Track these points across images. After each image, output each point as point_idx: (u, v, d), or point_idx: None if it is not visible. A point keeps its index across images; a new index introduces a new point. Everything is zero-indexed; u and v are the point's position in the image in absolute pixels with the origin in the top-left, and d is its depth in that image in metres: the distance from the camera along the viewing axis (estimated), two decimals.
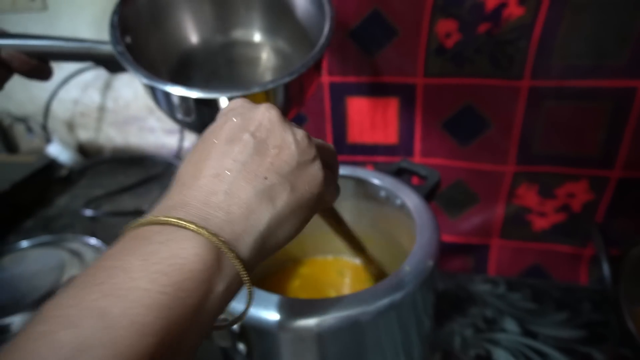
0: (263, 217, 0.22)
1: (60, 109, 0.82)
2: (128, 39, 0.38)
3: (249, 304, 0.23)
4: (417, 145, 0.62)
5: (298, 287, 0.46)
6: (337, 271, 0.52)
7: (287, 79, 0.36)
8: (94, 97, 0.80)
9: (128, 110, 0.80)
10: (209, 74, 0.47)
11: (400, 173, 0.49)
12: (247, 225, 0.21)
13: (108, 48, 0.37)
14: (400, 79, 0.57)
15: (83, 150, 0.86)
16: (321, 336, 0.31)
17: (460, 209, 0.65)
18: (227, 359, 0.45)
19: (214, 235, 0.20)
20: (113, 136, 0.83)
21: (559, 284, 0.57)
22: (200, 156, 0.23)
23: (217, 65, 0.47)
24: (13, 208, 0.64)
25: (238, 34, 0.48)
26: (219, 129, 0.24)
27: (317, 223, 0.52)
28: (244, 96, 0.36)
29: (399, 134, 0.62)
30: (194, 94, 0.36)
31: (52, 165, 0.72)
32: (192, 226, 0.19)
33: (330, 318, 0.30)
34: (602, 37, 0.49)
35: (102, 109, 0.81)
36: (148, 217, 0.20)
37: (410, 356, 0.36)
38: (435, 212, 0.42)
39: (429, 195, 0.44)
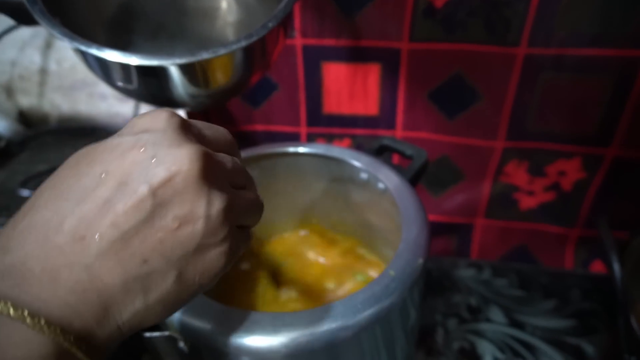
0: (127, 310, 0.17)
1: None
2: None
3: None
4: (400, 118, 0.56)
5: (268, 283, 0.40)
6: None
7: (243, 43, 0.29)
8: (33, 57, 0.70)
9: (75, 73, 0.70)
10: (155, 27, 0.39)
11: (381, 151, 0.44)
12: (104, 317, 0.17)
13: None
14: (383, 43, 0.51)
15: (25, 119, 0.76)
16: (290, 358, 0.25)
17: (444, 187, 0.61)
18: None
19: (61, 334, 0.15)
20: (59, 103, 0.74)
21: (547, 270, 0.53)
22: (72, 191, 0.17)
23: (166, 16, 0.39)
24: None
25: None
26: (114, 158, 0.17)
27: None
28: (194, 63, 0.29)
29: (380, 105, 0.56)
30: (133, 59, 0.28)
31: None
32: (30, 320, 0.15)
33: (301, 336, 0.25)
34: (608, 2, 0.43)
35: (44, 71, 0.71)
36: None
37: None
38: (417, 188, 0.37)
39: (414, 179, 0.39)
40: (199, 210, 0.18)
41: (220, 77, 0.33)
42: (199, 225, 0.18)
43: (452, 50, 0.49)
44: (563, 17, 0.45)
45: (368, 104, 0.57)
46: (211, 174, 0.18)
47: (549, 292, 0.50)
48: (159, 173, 0.17)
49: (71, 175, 0.18)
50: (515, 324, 0.47)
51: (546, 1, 0.44)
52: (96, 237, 0.16)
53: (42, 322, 0.15)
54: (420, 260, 0.30)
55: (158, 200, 0.17)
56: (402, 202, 0.34)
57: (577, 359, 0.43)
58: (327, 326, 0.25)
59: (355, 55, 0.53)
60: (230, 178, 0.20)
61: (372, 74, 0.54)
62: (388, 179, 0.37)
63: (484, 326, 0.47)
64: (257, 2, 0.39)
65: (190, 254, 0.18)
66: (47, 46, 0.69)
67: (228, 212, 0.19)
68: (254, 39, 0.29)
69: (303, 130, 0.60)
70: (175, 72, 0.30)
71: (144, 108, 0.70)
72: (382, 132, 0.57)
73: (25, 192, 0.54)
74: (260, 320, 0.25)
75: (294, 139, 0.60)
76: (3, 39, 0.66)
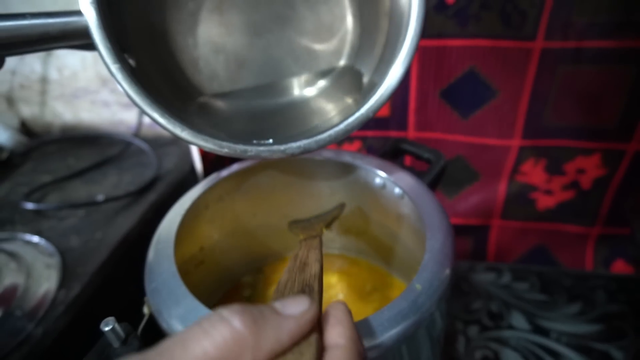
0: None
1: None
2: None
3: None
4: (412, 118, 0.54)
5: None
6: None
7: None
8: (34, 66, 0.69)
9: (76, 81, 0.69)
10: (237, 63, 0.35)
11: (395, 154, 0.42)
12: None
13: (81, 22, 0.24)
14: None
15: (27, 128, 0.75)
16: None
17: (458, 188, 0.59)
18: None
19: None
20: (61, 112, 0.72)
21: (569, 271, 0.51)
22: None
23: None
24: None
25: None
26: None
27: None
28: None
29: (391, 105, 0.54)
30: (225, 151, 0.27)
31: None
32: None
33: None
34: None
35: (44, 80, 0.69)
36: None
37: None
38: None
39: (433, 183, 0.37)
40: None
41: None
42: None
43: (466, 45, 0.47)
44: (581, 7, 0.43)
45: None
46: None
47: (573, 295, 0.48)
48: None
49: None
50: (539, 330, 0.45)
51: None
52: None
53: None
54: (447, 272, 0.28)
55: None
56: (423, 209, 0.32)
57: None
58: None
59: None
60: None
61: None
62: (407, 185, 0.35)
63: (506, 333, 0.45)
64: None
65: None
66: (48, 54, 0.67)
67: None
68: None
69: None
70: None
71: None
72: (393, 134, 0.55)
73: (29, 205, 0.53)
74: None
75: None
76: None
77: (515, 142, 0.53)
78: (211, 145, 0.26)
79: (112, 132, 0.71)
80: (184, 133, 0.26)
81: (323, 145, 0.28)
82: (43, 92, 0.71)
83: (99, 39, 0.24)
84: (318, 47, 0.35)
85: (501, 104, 0.50)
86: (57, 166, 0.64)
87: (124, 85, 0.24)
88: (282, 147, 0.27)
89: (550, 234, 0.58)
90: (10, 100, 0.73)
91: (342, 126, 0.28)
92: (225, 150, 0.26)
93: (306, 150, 0.28)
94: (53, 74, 0.69)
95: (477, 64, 0.49)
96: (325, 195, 0.42)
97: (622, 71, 0.46)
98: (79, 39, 0.25)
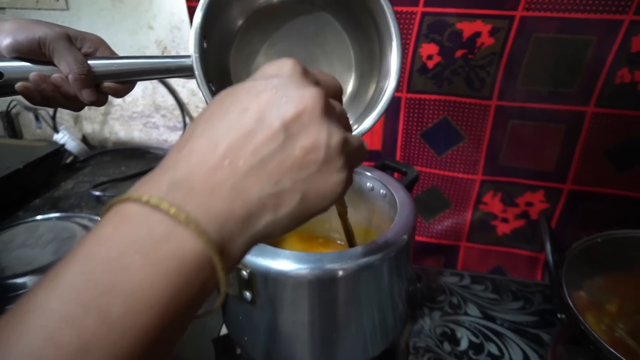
0: (261, 222, 0.20)
1: None
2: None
3: (220, 301, 0.21)
4: (399, 152, 0.70)
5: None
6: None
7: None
8: None
9: (135, 106, 0.86)
10: None
11: (383, 169, 0.57)
12: (242, 228, 0.20)
13: (188, 62, 0.38)
14: None
15: (86, 141, 0.90)
16: (312, 283, 0.37)
17: (433, 213, 0.73)
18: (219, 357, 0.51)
19: (212, 242, 0.18)
20: (117, 130, 0.89)
21: (516, 280, 0.64)
22: (221, 123, 0.20)
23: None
24: (22, 188, 0.68)
25: None
26: (252, 97, 0.21)
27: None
28: None
29: (382, 141, 0.70)
30: None
31: (60, 151, 0.77)
32: (194, 227, 0.18)
33: (319, 269, 0.37)
34: (558, 69, 0.58)
35: (109, 103, 0.86)
36: (151, 196, 0.18)
37: (384, 313, 0.42)
38: None
39: (408, 186, 0.51)
40: (321, 141, 0.20)
41: None
42: (320, 154, 0.21)
43: (440, 99, 0.64)
44: (524, 79, 0.60)
45: (373, 141, 0.71)
46: (330, 111, 0.22)
47: (517, 296, 0.61)
48: (290, 110, 0.20)
49: (219, 112, 0.21)
50: (488, 317, 0.57)
51: (511, 65, 0.59)
52: (241, 162, 0.19)
53: (204, 236, 0.18)
54: (405, 237, 0.41)
55: (289, 133, 0.20)
56: (398, 199, 0.47)
57: (536, 343, 0.53)
58: (335, 265, 0.37)
59: None
60: (341, 120, 0.23)
61: None
62: (390, 184, 0.50)
63: (462, 318, 0.57)
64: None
65: (314, 175, 0.21)
66: None
67: (345, 144, 0.22)
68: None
69: None
70: None
71: None
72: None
73: (96, 192, 0.67)
74: (295, 257, 0.37)
75: None
76: None
77: (478, 177, 0.68)
78: None
79: (157, 148, 0.86)
80: None
81: None
82: (106, 113, 0.88)
83: (198, 74, 0.39)
84: None
85: (467, 146, 0.66)
86: (112, 171, 0.79)
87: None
88: None
89: (507, 256, 0.72)
90: (76, 118, 0.90)
91: None
92: None
93: None
94: (117, 99, 0.86)
95: (449, 114, 0.65)
96: None
97: (555, 127, 0.62)
98: (186, 73, 0.41)
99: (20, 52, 0.37)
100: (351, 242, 0.44)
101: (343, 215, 0.42)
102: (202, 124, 0.21)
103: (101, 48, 0.40)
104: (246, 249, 0.21)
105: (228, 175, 0.19)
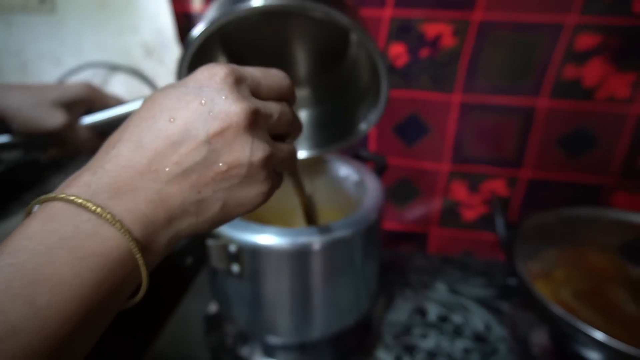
0: (183, 224, 0.22)
1: None
2: None
3: (143, 292, 0.22)
4: (373, 145, 0.75)
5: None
6: None
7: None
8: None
9: None
10: None
11: (357, 159, 0.62)
12: (165, 228, 0.21)
13: None
14: None
15: None
16: (292, 255, 0.42)
17: (405, 201, 0.78)
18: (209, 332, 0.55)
19: (135, 241, 0.20)
20: None
21: (480, 260, 0.70)
22: (149, 130, 0.21)
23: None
24: (17, 183, 0.72)
25: None
26: (181, 106, 0.22)
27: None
28: None
29: None
30: None
31: None
32: (119, 227, 0.19)
33: (296, 243, 0.41)
34: (514, 65, 0.64)
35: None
36: (79, 197, 0.19)
37: (357, 284, 0.47)
38: (385, 203, 0.54)
39: (378, 174, 0.57)
40: (243, 158, 0.22)
41: None
42: (243, 170, 0.22)
43: (409, 96, 0.70)
44: (484, 75, 0.66)
45: None
46: (255, 128, 0.22)
47: (481, 274, 0.67)
48: (214, 125, 0.21)
49: (148, 117, 0.22)
50: (455, 291, 0.63)
51: (471, 64, 0.65)
52: (166, 170, 0.21)
53: (128, 235, 0.19)
54: (374, 215, 0.47)
55: (212, 147, 0.21)
56: (370, 182, 0.52)
57: (496, 313, 0.59)
58: (309, 238, 0.42)
59: None
60: (273, 129, 0.24)
61: None
62: (361, 171, 0.55)
63: (431, 293, 0.63)
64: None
65: (235, 190, 0.22)
66: (104, 84, 0.88)
67: (268, 159, 0.23)
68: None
69: None
70: None
71: None
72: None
73: None
74: (277, 233, 0.42)
75: None
76: (66, 80, 0.85)
77: (445, 167, 0.73)
78: None
79: None
80: None
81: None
82: None
83: None
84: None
85: (434, 138, 0.72)
86: None
87: None
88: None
89: (473, 241, 0.78)
90: None
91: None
92: None
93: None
94: None
95: (417, 109, 0.71)
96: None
97: (512, 120, 0.68)
98: None
99: None
100: (310, 219, 0.46)
101: (300, 194, 0.42)
102: (131, 128, 0.22)
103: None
104: (170, 245, 0.22)
105: (152, 182, 0.21)
